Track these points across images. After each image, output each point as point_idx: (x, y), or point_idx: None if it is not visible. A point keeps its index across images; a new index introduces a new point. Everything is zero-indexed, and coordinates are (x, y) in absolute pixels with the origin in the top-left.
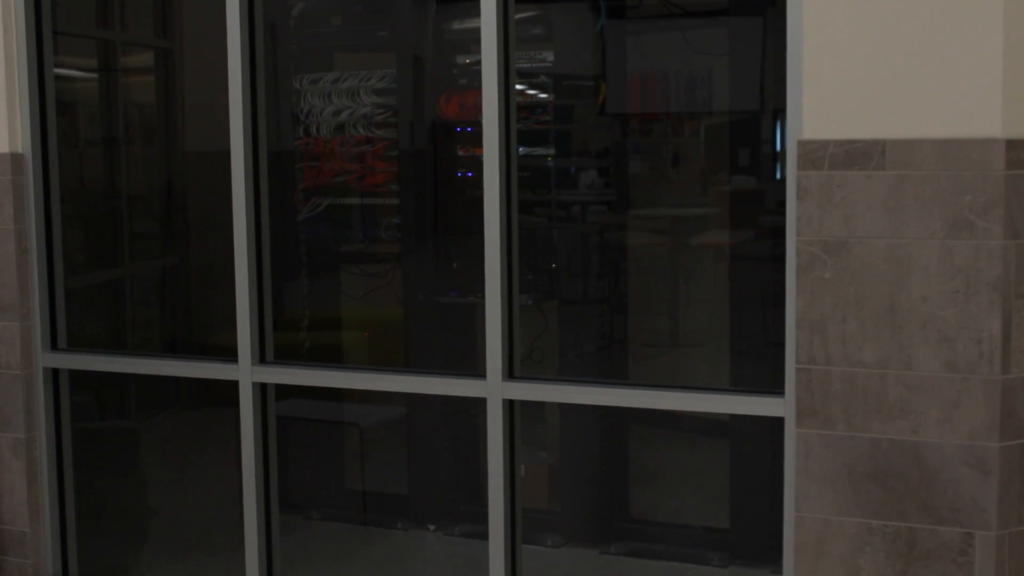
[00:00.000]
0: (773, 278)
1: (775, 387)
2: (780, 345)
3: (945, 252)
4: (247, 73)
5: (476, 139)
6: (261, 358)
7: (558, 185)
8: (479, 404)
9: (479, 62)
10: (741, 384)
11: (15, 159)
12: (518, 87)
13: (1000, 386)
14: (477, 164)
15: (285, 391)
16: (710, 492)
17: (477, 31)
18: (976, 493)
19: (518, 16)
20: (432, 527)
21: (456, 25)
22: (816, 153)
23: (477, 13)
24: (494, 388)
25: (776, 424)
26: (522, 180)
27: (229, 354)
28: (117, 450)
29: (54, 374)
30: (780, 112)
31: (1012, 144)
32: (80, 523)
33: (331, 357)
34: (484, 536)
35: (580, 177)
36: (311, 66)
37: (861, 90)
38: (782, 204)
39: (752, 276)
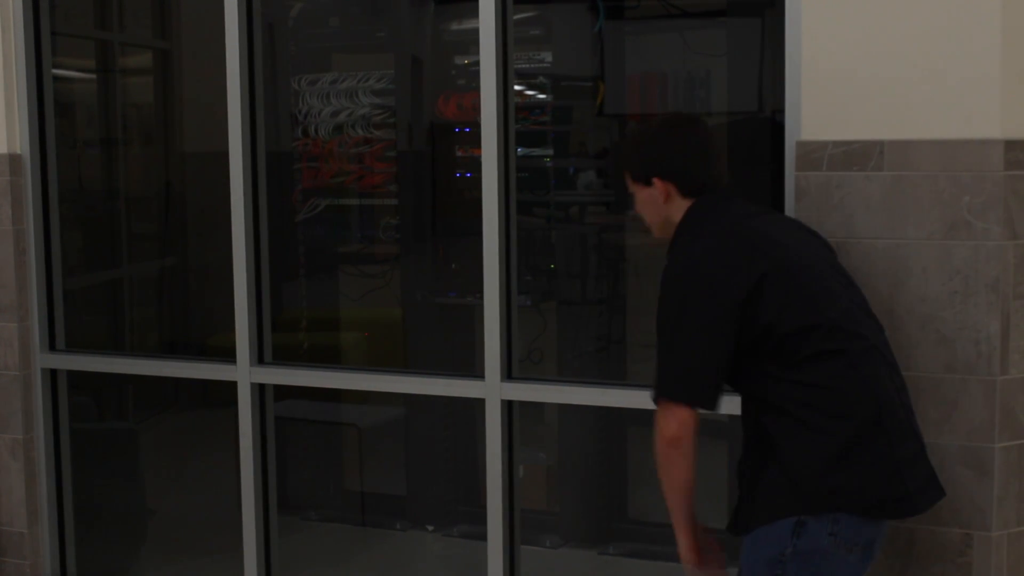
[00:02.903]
0: None
1: None
2: None
3: (943, 253)
4: (246, 74)
5: (474, 140)
6: (259, 359)
7: (556, 186)
8: (478, 405)
9: (477, 63)
10: None
11: (13, 160)
12: (516, 88)
13: (998, 387)
14: (475, 165)
15: (283, 392)
16: (709, 492)
17: (475, 32)
18: (975, 494)
19: (516, 17)
20: (431, 528)
21: (454, 26)
22: (814, 154)
23: (475, 14)
24: (492, 389)
25: None
26: (520, 181)
27: (227, 355)
28: (115, 451)
29: (52, 375)
30: (778, 113)
31: (1010, 145)
32: (78, 524)
33: (329, 358)
34: (483, 537)
35: (578, 178)
36: (309, 67)
37: (859, 91)
38: (780, 205)
39: None
